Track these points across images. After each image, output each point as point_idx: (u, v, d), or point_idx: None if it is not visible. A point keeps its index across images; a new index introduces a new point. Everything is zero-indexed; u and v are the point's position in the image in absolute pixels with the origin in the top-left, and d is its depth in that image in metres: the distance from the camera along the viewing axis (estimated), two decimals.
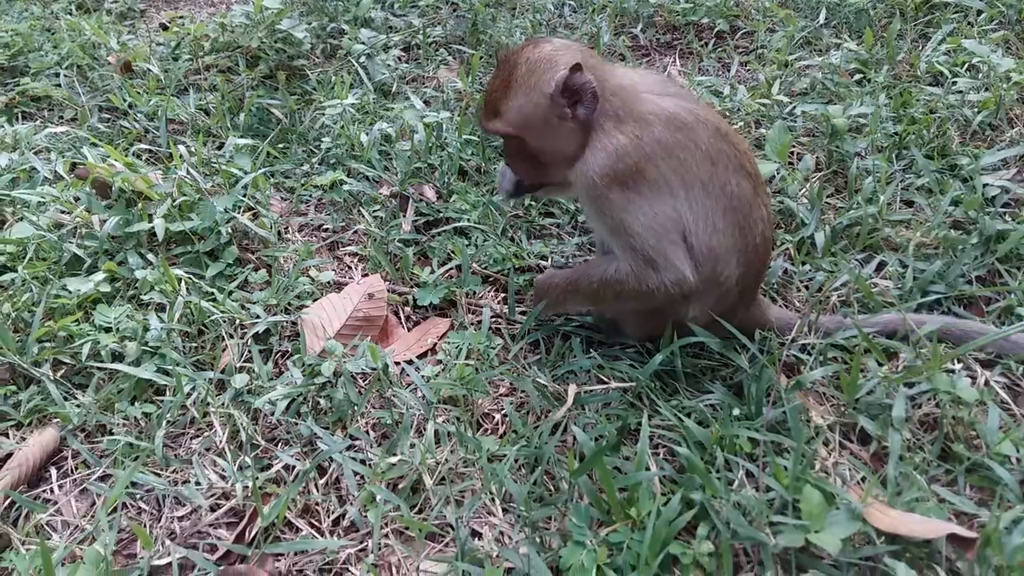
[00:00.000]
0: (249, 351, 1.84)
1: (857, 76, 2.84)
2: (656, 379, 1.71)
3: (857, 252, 2.08)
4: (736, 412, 1.61)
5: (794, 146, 2.49)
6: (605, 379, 1.76)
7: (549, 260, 2.11)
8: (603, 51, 3.08)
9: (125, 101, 2.76)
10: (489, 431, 1.71)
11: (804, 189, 2.29)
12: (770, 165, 2.27)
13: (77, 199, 2.21)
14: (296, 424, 1.69)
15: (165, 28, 3.50)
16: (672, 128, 1.61)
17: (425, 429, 1.64)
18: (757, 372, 1.64)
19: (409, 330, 2.01)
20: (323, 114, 2.67)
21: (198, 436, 1.71)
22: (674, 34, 3.30)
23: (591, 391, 1.72)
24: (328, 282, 2.09)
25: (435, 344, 1.93)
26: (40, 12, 3.77)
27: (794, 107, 2.63)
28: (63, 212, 2.13)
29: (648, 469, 1.50)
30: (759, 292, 1.82)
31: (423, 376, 1.78)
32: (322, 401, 1.72)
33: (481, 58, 2.95)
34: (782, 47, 3.01)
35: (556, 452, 1.56)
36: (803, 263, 2.05)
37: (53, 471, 1.66)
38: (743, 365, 1.70)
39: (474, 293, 2.06)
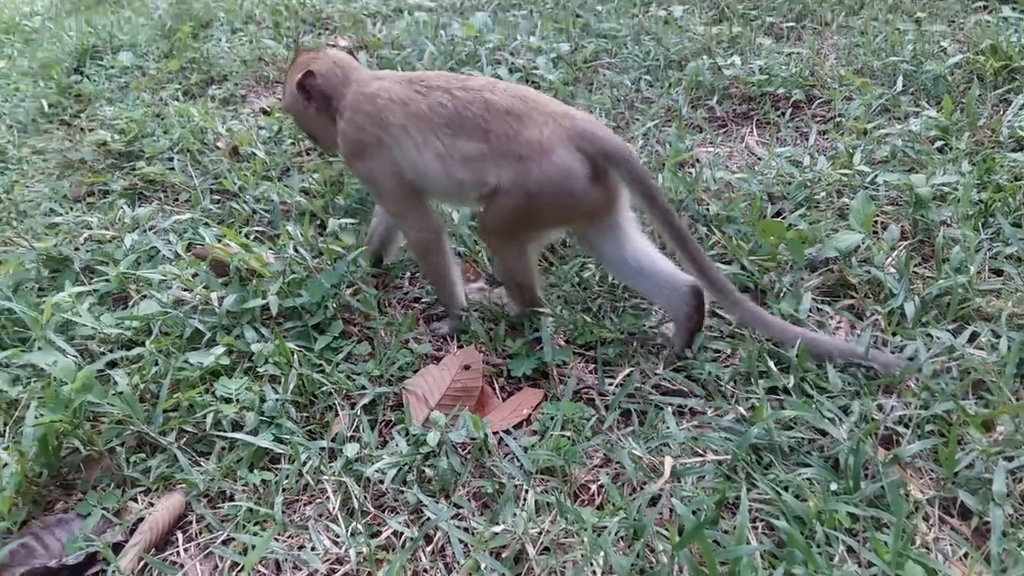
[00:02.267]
0: (358, 421, 1.95)
1: (938, 143, 2.86)
2: (752, 451, 1.74)
3: (948, 322, 2.09)
4: (834, 486, 1.63)
5: (878, 215, 2.52)
6: (699, 451, 1.80)
7: (636, 331, 2.18)
8: (681, 123, 3.17)
9: (235, 184, 2.98)
10: (586, 502, 1.76)
11: (890, 259, 2.32)
12: (855, 236, 2.31)
13: (195, 276, 2.39)
14: (402, 492, 1.78)
15: (266, 113, 3.76)
16: (376, 98, 2.10)
17: (525, 499, 1.71)
18: (854, 445, 1.66)
19: (504, 400, 2.10)
20: None
21: (311, 503, 1.82)
22: (750, 104, 3.38)
23: (687, 464, 1.76)
24: (426, 354, 2.20)
25: (529, 414, 2.00)
26: (150, 99, 4.09)
27: (876, 176, 2.67)
28: (184, 290, 2.31)
29: (748, 543, 1.53)
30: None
31: (520, 446, 1.85)
32: (427, 470, 1.81)
33: None
34: (860, 115, 3.05)
35: (655, 524, 1.61)
36: (894, 334, 2.06)
37: (179, 535, 1.79)
38: (840, 437, 1.73)
39: (564, 364, 2.14)
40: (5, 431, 2.03)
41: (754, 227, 2.40)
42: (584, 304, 2.29)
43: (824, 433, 1.79)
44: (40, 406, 1.96)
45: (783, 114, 3.25)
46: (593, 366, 2.13)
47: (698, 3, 4.27)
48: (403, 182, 2.12)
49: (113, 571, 1.63)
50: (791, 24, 3.99)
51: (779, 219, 2.49)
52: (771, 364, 1.94)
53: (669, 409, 1.92)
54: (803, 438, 1.81)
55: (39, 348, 2.14)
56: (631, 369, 2.05)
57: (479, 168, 2.00)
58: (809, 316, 2.15)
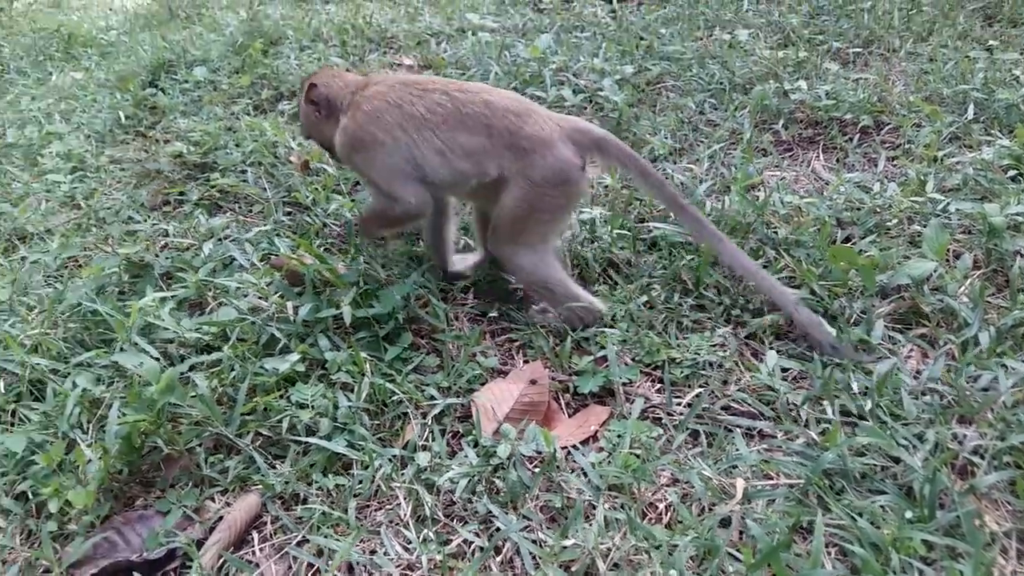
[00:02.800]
0: (430, 430, 1.99)
1: (1011, 172, 2.82)
2: (824, 476, 1.74)
3: None
4: (908, 514, 1.61)
5: (950, 244, 2.49)
6: (770, 474, 1.80)
7: (704, 352, 2.18)
8: (744, 148, 3.18)
9: (308, 197, 3.07)
10: (653, 520, 1.77)
11: (964, 288, 2.29)
12: (928, 263, 2.29)
13: (270, 284, 2.46)
14: (471, 502, 1.81)
15: None
16: (373, 100, 2.31)
17: (593, 514, 1.73)
18: (930, 474, 1.64)
19: (569, 416, 2.12)
20: None
21: (381, 508, 1.86)
22: (816, 129, 3.37)
23: (758, 486, 1.76)
24: (493, 367, 2.24)
25: (596, 431, 2.02)
26: (222, 113, 4.22)
27: (947, 204, 2.64)
28: (260, 298, 2.38)
29: (823, 567, 1.52)
30: None
31: (589, 462, 1.87)
32: (497, 481, 1.84)
33: None
34: (930, 143, 3.02)
35: (727, 546, 1.61)
36: (968, 363, 2.03)
37: (255, 535, 1.84)
38: (915, 466, 1.71)
39: (631, 382, 2.15)
40: (89, 428, 2.11)
41: (823, 252, 2.39)
42: (649, 323, 2.31)
43: (897, 460, 1.78)
44: (123, 405, 2.04)
45: (850, 139, 3.23)
46: (660, 385, 2.14)
47: (763, 27, 4.27)
48: (398, 172, 2.32)
49: (195, 567, 1.67)
50: (858, 50, 3.97)
51: (848, 245, 2.48)
52: (853, 386, 1.93)
53: (738, 431, 1.92)
54: (876, 465, 1.80)
55: (123, 350, 2.23)
56: (700, 390, 2.06)
57: (480, 160, 2.24)
58: (880, 344, 2.13)
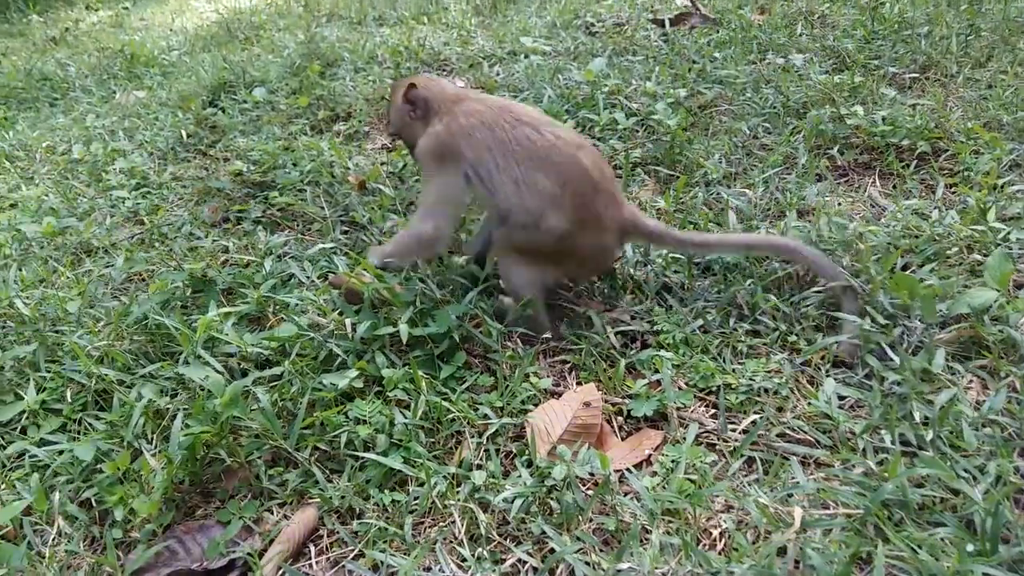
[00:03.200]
0: (485, 449, 2.01)
1: None
2: (883, 507, 1.71)
3: None
4: (970, 547, 1.58)
5: (1014, 274, 2.44)
6: (828, 503, 1.78)
7: (759, 378, 2.17)
8: (799, 171, 3.16)
9: (364, 216, 3.13)
10: (708, 546, 1.76)
11: None
12: (990, 293, 2.25)
13: (327, 301, 2.52)
14: (525, 522, 1.82)
15: (389, 150, 3.93)
16: (470, 116, 2.39)
17: (648, 539, 1.73)
18: (992, 507, 1.61)
19: (622, 439, 2.12)
20: None
21: (434, 525, 1.88)
22: (873, 155, 3.34)
23: (815, 515, 1.74)
24: (546, 389, 2.25)
25: (650, 455, 2.02)
26: (280, 133, 4.33)
27: (1009, 233, 2.59)
28: (319, 315, 2.43)
29: None
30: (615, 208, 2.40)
31: (644, 486, 1.87)
32: (552, 503, 1.85)
33: (676, 177, 3.12)
34: (990, 170, 2.97)
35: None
36: None
37: (311, 548, 1.88)
38: (976, 498, 1.68)
39: (685, 407, 2.15)
40: (153, 439, 2.17)
41: (883, 278, 2.36)
42: (704, 347, 2.30)
43: (957, 492, 1.75)
44: (187, 417, 2.10)
45: (907, 166, 3.19)
46: (714, 411, 2.13)
47: (818, 52, 4.25)
48: (452, 197, 2.45)
49: None
50: (914, 75, 3.93)
51: (907, 272, 2.45)
52: (916, 416, 1.91)
53: (795, 459, 1.90)
54: (936, 496, 1.77)
55: (187, 363, 2.29)
56: (755, 416, 2.05)
57: (546, 206, 2.30)
58: (941, 373, 2.10)
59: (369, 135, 4.24)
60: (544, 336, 2.45)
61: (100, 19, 9.69)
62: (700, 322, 2.37)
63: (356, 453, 2.02)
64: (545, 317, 2.47)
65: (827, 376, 2.15)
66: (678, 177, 3.23)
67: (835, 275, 2.30)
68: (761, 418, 2.04)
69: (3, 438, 2.24)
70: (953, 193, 3.01)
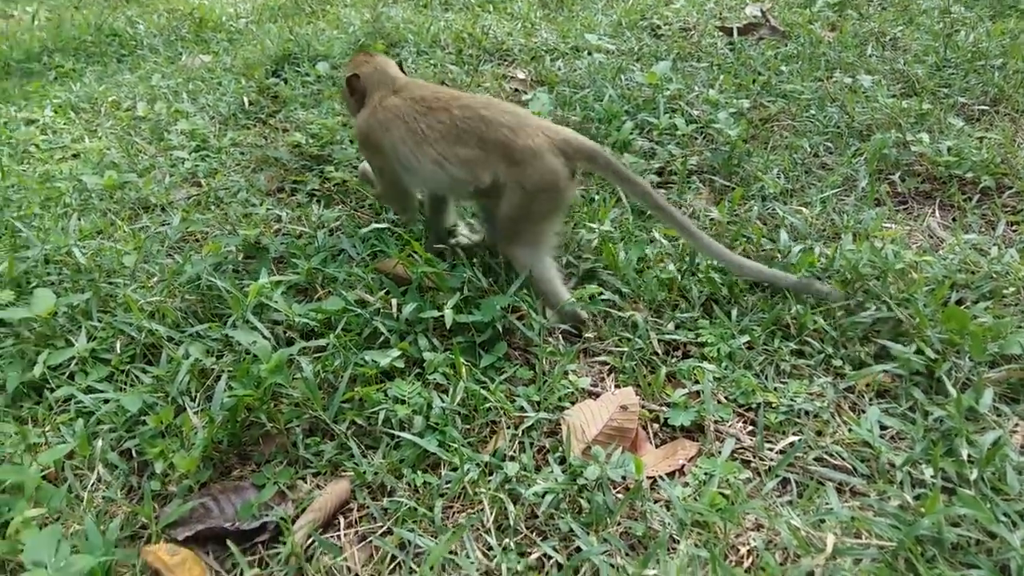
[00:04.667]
0: (520, 442, 2.02)
1: None
2: (917, 542, 1.69)
3: None
4: None
5: None
6: (860, 532, 1.76)
7: (801, 399, 2.15)
8: (859, 195, 3.12)
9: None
10: (734, 563, 1.75)
11: None
12: None
13: (375, 279, 2.54)
14: (553, 518, 1.83)
15: None
16: (387, 110, 2.64)
17: (675, 548, 1.73)
18: None
19: (656, 447, 2.12)
20: (584, 228, 2.89)
21: (463, 511, 1.90)
22: (935, 184, 3.28)
23: (847, 544, 1.73)
24: (584, 388, 2.25)
25: (683, 465, 2.01)
26: (340, 108, 4.36)
27: None
28: (367, 292, 2.46)
29: None
30: None
31: (676, 496, 1.86)
32: (581, 502, 1.85)
33: (732, 188, 3.09)
34: None
35: None
36: None
37: (340, 520, 1.91)
38: (1014, 544, 1.65)
39: (723, 420, 2.14)
40: (196, 397, 2.22)
41: (934, 311, 2.33)
42: (747, 363, 2.29)
43: (994, 536, 1.72)
44: (231, 379, 2.14)
45: (969, 199, 3.13)
46: (752, 428, 2.12)
47: (886, 74, 4.17)
48: (396, 175, 2.71)
49: (288, 543, 1.74)
50: (984, 107, 3.84)
51: (961, 308, 2.40)
52: (963, 453, 1.88)
53: (830, 484, 1.88)
54: (971, 537, 1.74)
55: (235, 326, 2.33)
56: (794, 438, 2.03)
57: (475, 169, 2.49)
58: (987, 414, 2.06)
59: None
60: (580, 319, 2.50)
61: None
62: (746, 338, 2.35)
63: (392, 431, 2.05)
64: (563, 294, 2.51)
65: (870, 404, 2.12)
66: (733, 188, 3.20)
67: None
68: (800, 440, 2.02)
69: (52, 382, 2.31)
70: (1014, 231, 2.94)
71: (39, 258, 2.81)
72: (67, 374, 2.34)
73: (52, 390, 2.28)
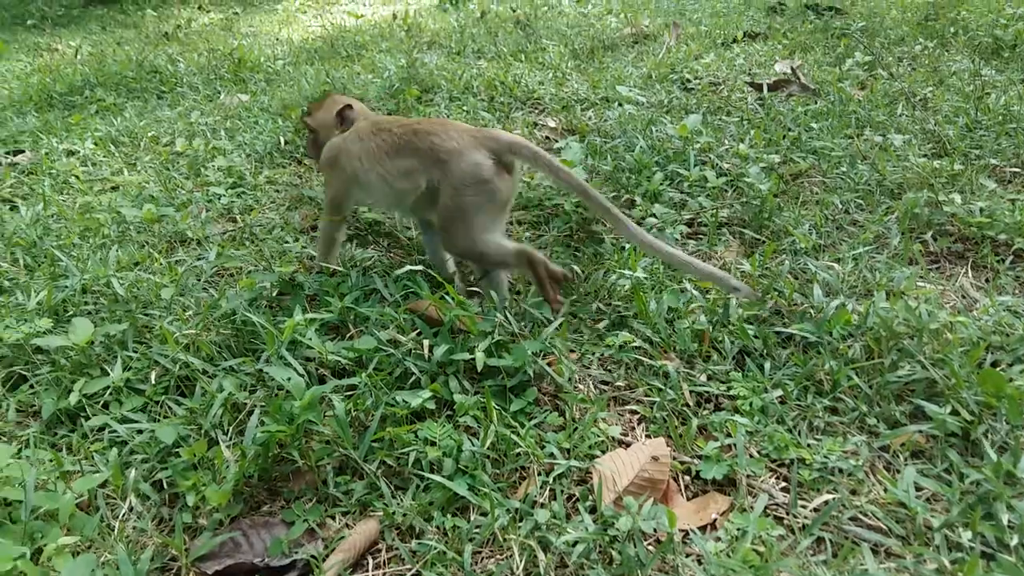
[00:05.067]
0: (551, 490, 2.01)
1: None
2: None
3: None
4: None
5: None
6: None
7: (835, 457, 2.13)
8: (891, 253, 3.11)
9: None
10: None
11: None
12: None
13: (407, 320, 2.56)
14: (583, 568, 1.81)
15: None
16: (353, 134, 2.95)
17: None
18: None
19: (688, 499, 2.10)
20: (615, 274, 2.91)
21: (492, 557, 1.88)
22: (967, 244, 3.27)
23: None
24: (614, 437, 2.24)
25: (715, 520, 1.99)
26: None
27: None
28: (399, 332, 2.47)
29: None
30: None
31: (708, 551, 1.84)
32: (613, 553, 1.83)
33: (762, 241, 3.10)
34: None
35: None
36: None
37: (369, 560, 1.90)
38: None
39: (755, 475, 2.12)
40: (229, 431, 2.23)
41: (969, 372, 2.31)
42: (780, 417, 2.27)
43: None
44: (264, 414, 2.15)
45: (1002, 260, 3.12)
46: (784, 484, 2.10)
47: (917, 134, 4.19)
48: (349, 191, 2.94)
49: None
50: (1016, 170, 3.84)
51: (996, 369, 2.38)
52: (1004, 519, 1.85)
53: (865, 545, 1.85)
54: None
55: (269, 362, 2.35)
56: (828, 496, 2.01)
57: (414, 177, 2.73)
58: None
59: None
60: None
61: (211, 20, 10.12)
62: (779, 392, 2.34)
63: (422, 473, 2.04)
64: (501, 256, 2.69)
65: (906, 464, 2.10)
66: (764, 241, 3.21)
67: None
68: (834, 499, 1.99)
69: (87, 410, 2.33)
70: None
71: (77, 287, 2.86)
72: (102, 403, 2.37)
73: (87, 418, 2.30)
